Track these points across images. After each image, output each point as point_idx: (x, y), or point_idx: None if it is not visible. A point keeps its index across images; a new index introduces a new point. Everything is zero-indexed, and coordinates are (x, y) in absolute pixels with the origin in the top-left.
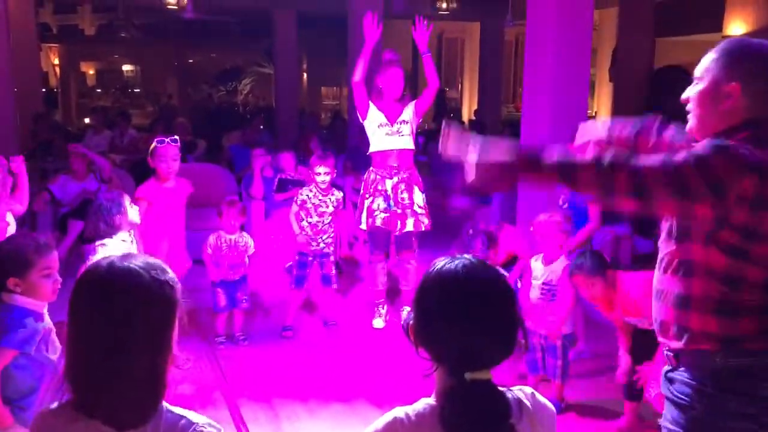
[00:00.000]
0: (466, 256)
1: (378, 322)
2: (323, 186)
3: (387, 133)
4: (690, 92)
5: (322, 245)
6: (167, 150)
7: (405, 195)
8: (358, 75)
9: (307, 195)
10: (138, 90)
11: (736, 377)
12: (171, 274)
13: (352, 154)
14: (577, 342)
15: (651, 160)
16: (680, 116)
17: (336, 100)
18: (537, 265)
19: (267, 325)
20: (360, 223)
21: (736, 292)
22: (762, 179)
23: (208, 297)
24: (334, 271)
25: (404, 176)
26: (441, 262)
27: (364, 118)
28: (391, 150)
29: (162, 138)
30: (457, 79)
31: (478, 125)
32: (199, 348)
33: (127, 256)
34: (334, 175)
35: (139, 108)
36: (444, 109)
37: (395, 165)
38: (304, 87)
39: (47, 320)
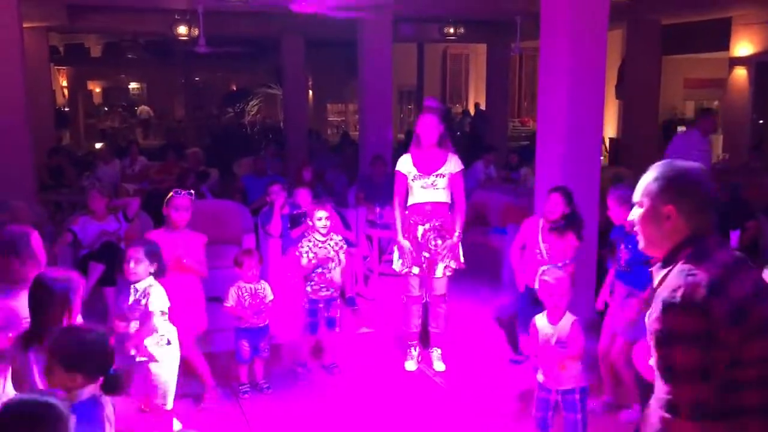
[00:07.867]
0: None
1: (410, 365)
2: (324, 231)
3: (422, 186)
4: (634, 215)
5: (332, 290)
6: (181, 201)
7: (438, 242)
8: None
9: (308, 247)
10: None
11: None
12: None
13: (363, 185)
14: (603, 394)
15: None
16: None
17: (342, 116)
18: (543, 323)
19: (289, 369)
20: (393, 263)
21: None
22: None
23: (225, 338)
24: (338, 314)
25: (436, 224)
26: None
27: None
28: (425, 203)
29: (179, 189)
30: (462, 94)
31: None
32: (224, 397)
33: None
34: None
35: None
36: (450, 128)
37: (429, 212)
38: (310, 104)
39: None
